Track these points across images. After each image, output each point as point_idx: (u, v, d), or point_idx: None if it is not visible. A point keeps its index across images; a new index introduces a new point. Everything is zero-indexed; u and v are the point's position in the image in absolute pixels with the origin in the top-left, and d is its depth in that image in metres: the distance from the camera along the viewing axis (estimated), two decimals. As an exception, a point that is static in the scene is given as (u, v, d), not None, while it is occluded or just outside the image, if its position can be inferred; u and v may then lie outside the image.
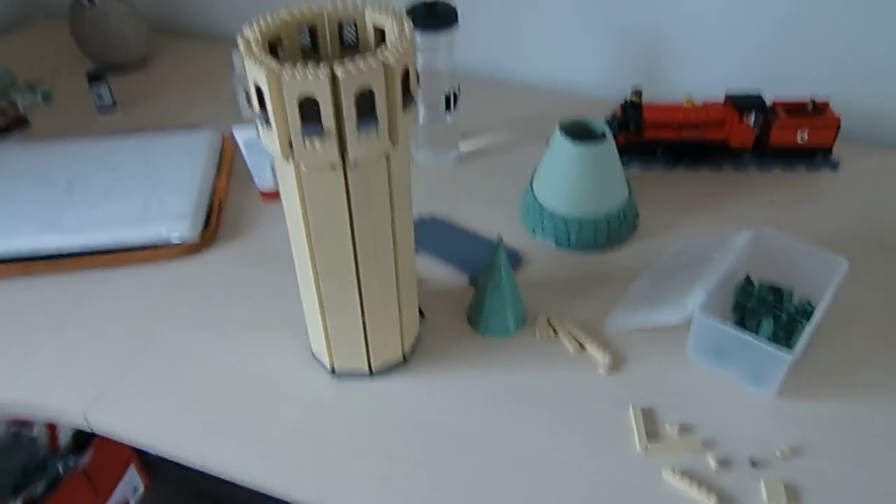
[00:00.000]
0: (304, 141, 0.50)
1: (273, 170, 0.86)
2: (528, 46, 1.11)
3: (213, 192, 0.89)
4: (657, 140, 0.90)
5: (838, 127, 0.88)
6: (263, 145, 0.82)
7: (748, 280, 0.74)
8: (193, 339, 0.72)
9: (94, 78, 1.04)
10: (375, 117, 0.50)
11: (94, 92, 1.05)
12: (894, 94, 0.95)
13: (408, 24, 0.52)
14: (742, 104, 0.88)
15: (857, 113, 0.97)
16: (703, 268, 0.71)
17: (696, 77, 1.03)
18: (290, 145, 0.50)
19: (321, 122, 0.49)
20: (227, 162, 0.94)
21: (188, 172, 0.88)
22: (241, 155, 0.94)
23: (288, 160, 0.51)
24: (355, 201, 0.54)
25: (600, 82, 1.09)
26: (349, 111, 0.48)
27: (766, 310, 0.72)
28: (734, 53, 1.00)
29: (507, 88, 1.11)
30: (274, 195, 0.88)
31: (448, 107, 0.89)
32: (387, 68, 0.48)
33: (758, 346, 0.62)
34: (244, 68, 1.00)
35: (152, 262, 0.81)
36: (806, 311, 0.70)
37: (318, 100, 0.48)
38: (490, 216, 0.86)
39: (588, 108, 1.04)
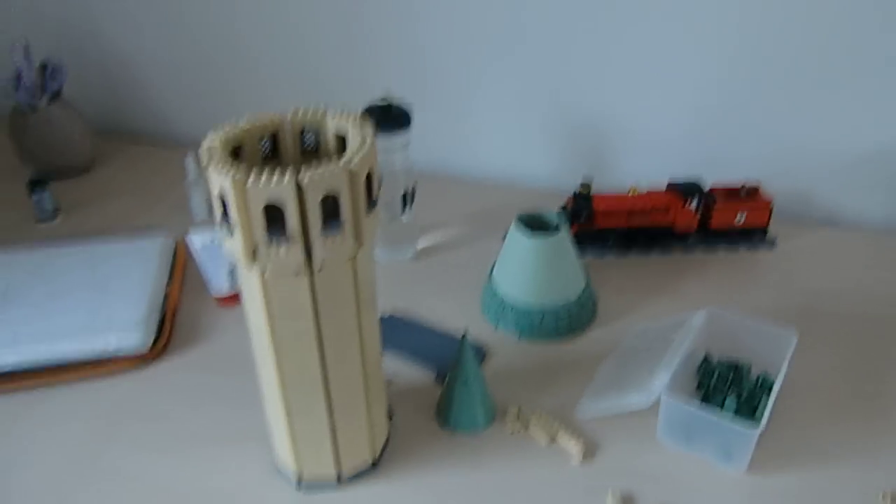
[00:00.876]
0: (268, 247, 0.49)
1: (231, 275, 0.85)
2: (481, 143, 1.16)
3: (166, 299, 0.86)
4: (608, 228, 0.93)
5: (772, 208, 0.93)
6: (224, 251, 0.82)
7: (707, 359, 0.76)
8: (145, 459, 0.67)
9: (36, 185, 1.02)
10: (340, 221, 0.50)
11: (34, 199, 1.02)
12: (821, 175, 1.02)
13: (368, 129, 0.54)
14: (684, 191, 0.92)
15: (790, 193, 1.04)
16: (664, 350, 0.72)
17: (640, 166, 1.09)
18: (255, 252, 0.50)
19: (286, 227, 0.49)
20: (181, 268, 0.92)
21: (138, 280, 0.86)
22: (196, 261, 0.92)
23: (252, 267, 0.51)
24: (321, 304, 0.53)
25: (551, 174, 1.13)
26: (315, 216, 0.49)
27: (727, 387, 0.73)
28: (674, 143, 1.06)
29: (462, 184, 1.14)
30: (230, 300, 0.87)
31: (405, 205, 0.91)
32: (351, 173, 0.49)
33: (724, 424, 0.63)
34: (197, 173, 1.01)
35: (99, 377, 0.77)
36: (764, 385, 0.72)
37: (284, 206, 0.48)
38: (451, 310, 0.86)
39: (541, 199, 1.07)
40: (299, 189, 0.48)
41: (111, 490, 0.65)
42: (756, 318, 0.74)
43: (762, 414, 0.67)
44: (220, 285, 0.86)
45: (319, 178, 0.48)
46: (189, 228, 1.02)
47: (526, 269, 0.79)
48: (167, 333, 0.81)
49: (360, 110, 0.87)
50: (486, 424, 0.70)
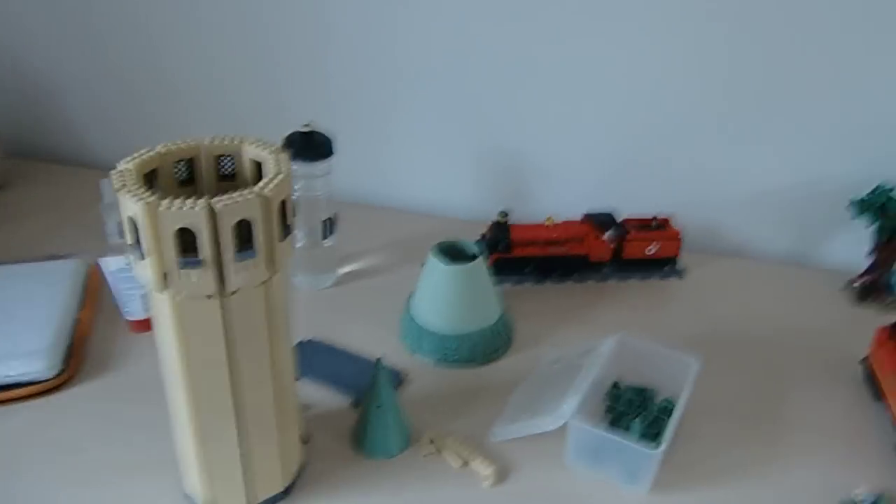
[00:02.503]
0: (180, 272, 0.49)
1: (144, 300, 0.84)
2: (402, 173, 1.18)
3: (76, 324, 0.84)
4: (525, 257, 0.96)
5: (681, 240, 0.99)
6: (135, 276, 0.81)
7: (615, 384, 0.79)
8: (51, 491, 0.65)
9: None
10: (253, 247, 0.51)
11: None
12: (728, 208, 1.08)
13: (284, 157, 0.55)
14: (598, 222, 0.96)
15: (698, 226, 1.09)
16: (575, 375, 0.75)
17: (557, 198, 1.13)
18: (166, 276, 0.50)
19: (198, 252, 0.49)
20: (93, 293, 0.90)
21: (46, 305, 0.83)
22: (109, 285, 0.90)
23: (163, 291, 0.51)
24: (233, 330, 0.54)
25: (471, 205, 1.16)
26: (227, 242, 0.49)
27: (634, 411, 0.76)
28: (589, 176, 1.10)
29: (383, 212, 1.15)
30: (144, 325, 0.85)
31: (326, 232, 0.91)
32: (264, 200, 0.50)
33: (628, 446, 0.66)
34: (114, 197, 0.99)
35: (5, 405, 0.74)
36: (668, 409, 0.75)
37: (196, 231, 0.48)
38: (370, 337, 0.87)
39: (460, 229, 1.09)
40: (213, 214, 0.48)
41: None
42: (662, 344, 0.78)
43: (665, 436, 0.70)
44: (133, 310, 0.84)
45: (233, 204, 0.48)
46: (103, 252, 0.99)
47: (443, 296, 0.81)
48: (75, 360, 0.79)
49: (282, 138, 0.88)
50: (401, 449, 0.71)
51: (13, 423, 0.72)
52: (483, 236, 0.96)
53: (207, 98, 1.19)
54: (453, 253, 0.84)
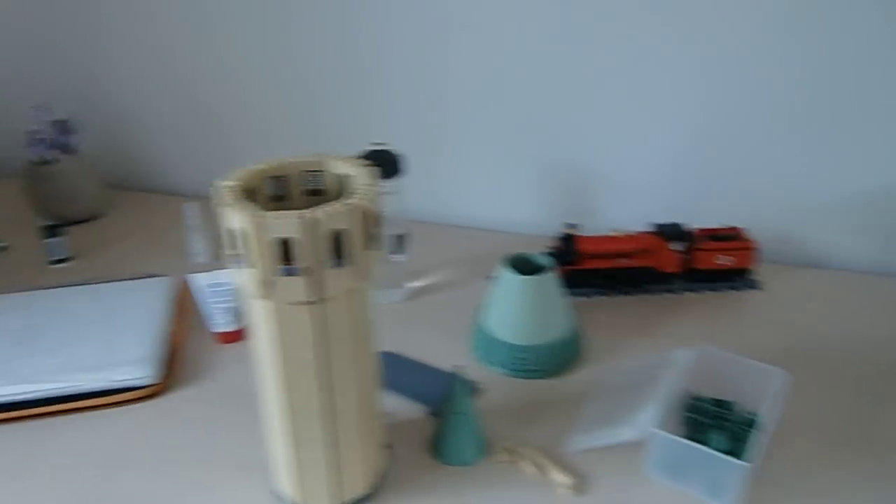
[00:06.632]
0: (280, 280, 0.53)
1: (231, 312, 0.88)
2: (464, 189, 1.20)
3: (170, 336, 0.89)
4: (594, 269, 0.97)
5: (755, 250, 0.97)
6: (231, 286, 0.86)
7: (693, 396, 0.78)
8: (154, 485, 0.70)
9: (50, 233, 1.06)
10: (347, 256, 0.54)
11: (48, 244, 1.07)
12: (806, 217, 1.06)
13: (372, 172, 0.58)
14: (668, 233, 0.97)
15: (775, 236, 1.07)
16: (651, 386, 0.75)
17: (624, 211, 1.13)
18: (267, 284, 0.53)
19: (295, 261, 0.52)
20: (182, 307, 0.95)
21: (145, 318, 0.89)
22: (197, 299, 0.95)
23: (264, 298, 0.54)
24: (326, 335, 0.56)
25: (537, 220, 1.18)
26: (324, 251, 0.52)
27: (713, 423, 0.75)
28: (658, 188, 1.10)
29: (446, 229, 1.18)
30: (230, 337, 0.89)
31: (396, 248, 0.94)
32: (358, 210, 0.53)
33: (715, 458, 0.64)
34: (199, 219, 1.05)
35: (111, 408, 0.80)
36: (751, 423, 0.74)
37: (297, 241, 0.51)
38: (440, 348, 0.89)
39: (524, 244, 1.11)
40: (312, 226, 0.51)
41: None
42: (744, 356, 0.77)
43: (750, 450, 0.69)
44: (220, 323, 0.89)
45: (330, 215, 0.51)
46: (188, 269, 1.05)
47: (515, 307, 0.82)
48: (172, 368, 0.85)
49: (356, 156, 0.91)
50: (478, 458, 0.72)
51: (119, 425, 0.78)
52: (552, 249, 0.97)
53: (281, 124, 1.25)
54: (523, 265, 0.86)
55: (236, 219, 0.52)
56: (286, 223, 0.51)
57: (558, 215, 1.17)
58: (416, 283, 1.03)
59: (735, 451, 0.71)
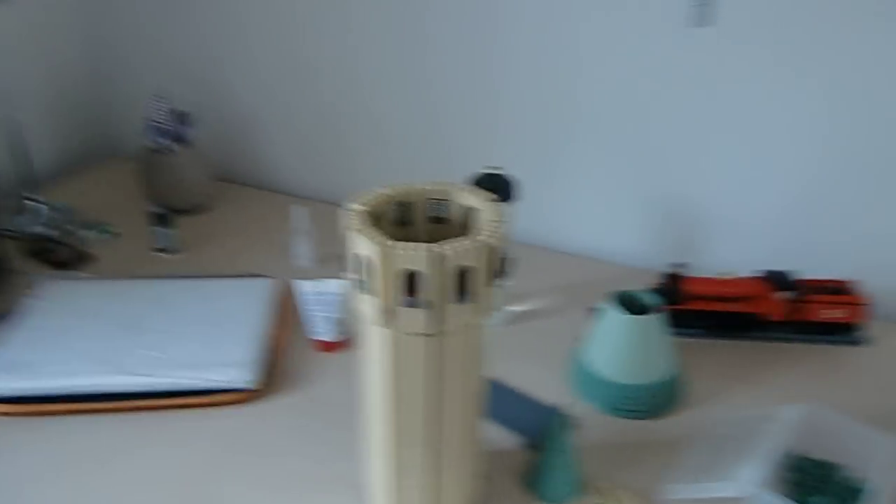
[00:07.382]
0: (402, 310, 0.53)
1: (336, 323, 0.89)
2: (569, 215, 1.19)
3: (271, 340, 0.91)
4: (698, 311, 0.94)
5: (866, 305, 0.93)
6: (347, 300, 0.87)
7: (796, 455, 0.75)
8: (245, 491, 0.72)
9: (159, 221, 1.10)
10: (471, 291, 0.54)
11: (158, 234, 1.11)
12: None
13: (500, 207, 0.58)
14: (775, 280, 0.93)
15: (886, 291, 1.02)
16: (756, 440, 0.72)
17: (731, 252, 1.10)
18: (390, 313, 0.54)
19: (419, 293, 0.53)
20: (286, 311, 0.97)
21: (247, 319, 0.91)
22: (301, 306, 0.97)
23: (385, 327, 0.55)
24: (442, 367, 0.57)
25: (640, 252, 1.16)
26: (449, 286, 0.52)
27: (817, 486, 0.72)
28: (768, 232, 1.06)
29: (548, 254, 1.16)
30: (331, 346, 0.91)
31: (502, 272, 0.94)
32: (485, 249, 0.53)
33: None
34: (306, 224, 1.07)
35: (209, 409, 0.82)
36: (855, 490, 0.70)
37: (423, 275, 0.52)
38: (536, 378, 0.88)
39: (626, 276, 1.09)
40: (440, 259, 0.52)
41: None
42: (851, 417, 0.74)
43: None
44: (322, 332, 0.90)
45: (458, 252, 0.52)
46: (291, 273, 1.07)
47: (618, 346, 0.81)
48: (272, 374, 0.86)
49: (467, 179, 0.91)
50: (573, 497, 0.71)
51: (215, 426, 0.80)
52: (657, 286, 0.95)
53: (397, 139, 1.26)
54: (629, 302, 0.84)
55: (364, 246, 0.53)
56: (414, 256, 0.51)
57: (663, 250, 1.14)
58: (516, 308, 1.02)
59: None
